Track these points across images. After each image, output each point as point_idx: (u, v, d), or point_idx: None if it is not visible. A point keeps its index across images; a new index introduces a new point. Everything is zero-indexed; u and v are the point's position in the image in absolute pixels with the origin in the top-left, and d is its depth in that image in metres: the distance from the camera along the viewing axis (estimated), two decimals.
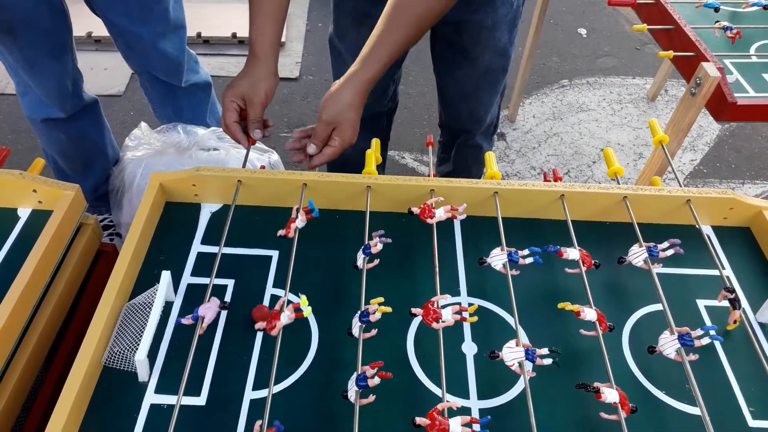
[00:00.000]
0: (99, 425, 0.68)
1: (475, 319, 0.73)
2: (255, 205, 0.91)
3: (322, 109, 0.94)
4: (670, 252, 0.82)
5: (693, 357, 0.72)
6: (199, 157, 1.51)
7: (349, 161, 1.55)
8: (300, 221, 0.82)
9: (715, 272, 0.85)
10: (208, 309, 0.73)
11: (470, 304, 0.76)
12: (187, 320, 0.73)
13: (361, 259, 0.79)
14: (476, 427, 0.63)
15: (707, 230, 0.94)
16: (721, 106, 1.17)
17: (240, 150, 1.54)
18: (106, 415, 0.68)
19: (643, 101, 2.57)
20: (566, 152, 2.29)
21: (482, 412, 0.71)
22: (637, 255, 0.82)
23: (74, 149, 1.60)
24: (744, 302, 0.84)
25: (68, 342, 0.83)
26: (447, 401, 0.65)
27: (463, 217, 0.85)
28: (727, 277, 0.86)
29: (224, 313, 0.78)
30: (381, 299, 0.72)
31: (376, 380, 0.66)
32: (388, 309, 0.72)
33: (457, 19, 1.23)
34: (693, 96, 1.19)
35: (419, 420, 0.63)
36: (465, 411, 0.70)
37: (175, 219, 0.90)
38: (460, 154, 1.59)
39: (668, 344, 0.73)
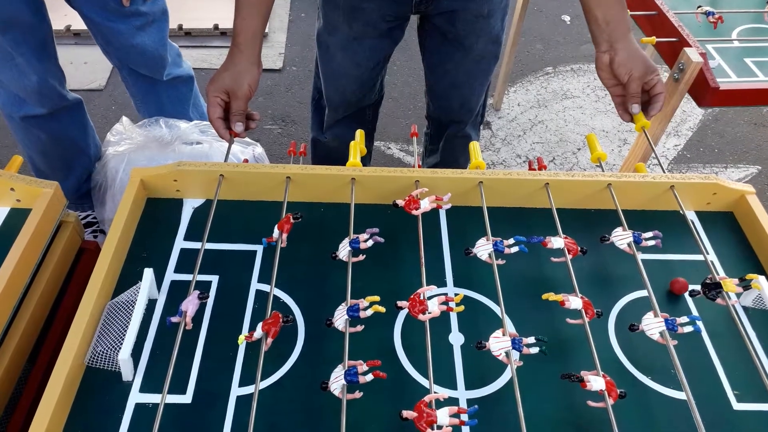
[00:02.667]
0: (83, 426, 0.67)
1: (461, 308, 0.73)
2: (238, 199, 0.90)
3: (628, 69, 0.96)
4: (651, 243, 0.82)
5: (673, 342, 0.72)
6: (182, 151, 1.49)
7: (333, 154, 1.55)
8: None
9: (700, 257, 0.86)
10: (189, 303, 0.72)
11: (456, 294, 0.76)
12: (176, 318, 0.72)
13: (345, 251, 0.79)
14: (464, 417, 0.63)
15: (691, 216, 0.94)
16: (703, 91, 1.17)
17: (224, 143, 1.52)
18: (91, 416, 0.68)
19: None
20: (551, 140, 2.30)
21: (470, 402, 0.71)
22: (620, 237, 0.83)
23: (54, 149, 1.56)
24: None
25: (51, 341, 0.82)
26: (435, 393, 0.65)
27: (449, 206, 0.85)
28: (711, 262, 0.86)
29: (209, 311, 0.78)
30: (377, 298, 0.72)
31: (369, 378, 0.66)
32: (382, 309, 0.71)
33: (452, 8, 1.22)
34: (676, 81, 1.19)
35: (406, 413, 0.63)
36: (453, 402, 0.70)
37: (158, 215, 0.89)
38: (449, 145, 1.58)
39: (653, 326, 0.73)
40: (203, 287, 0.80)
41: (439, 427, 0.62)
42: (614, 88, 1.01)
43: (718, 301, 0.79)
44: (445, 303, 0.72)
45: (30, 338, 0.79)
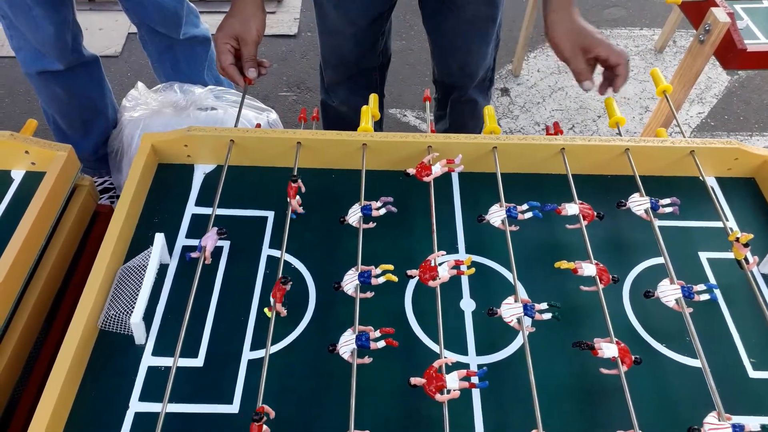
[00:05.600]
0: (97, 388, 0.68)
1: (472, 270, 0.72)
2: (249, 165, 0.90)
3: (560, 49, 0.93)
4: (669, 210, 0.80)
5: (688, 309, 0.71)
6: (197, 116, 1.48)
7: (344, 119, 1.53)
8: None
9: (719, 224, 0.83)
10: (209, 238, 0.74)
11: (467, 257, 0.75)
12: (195, 254, 0.75)
13: (355, 217, 0.78)
14: (474, 379, 0.63)
15: (711, 181, 0.92)
16: (730, 53, 1.13)
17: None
18: (105, 378, 0.69)
19: (651, 53, 2.50)
20: (571, 107, 2.25)
21: (480, 367, 0.71)
22: (637, 204, 0.81)
23: (73, 107, 1.57)
24: (747, 253, 0.82)
25: (67, 304, 0.83)
26: (445, 357, 0.65)
27: (461, 168, 0.82)
28: (731, 229, 0.84)
29: (220, 275, 0.78)
30: (391, 267, 0.72)
31: (380, 344, 0.66)
32: (395, 278, 0.71)
33: None
34: (701, 44, 1.15)
35: (414, 380, 0.63)
36: (462, 367, 0.70)
37: (169, 181, 0.89)
38: (455, 110, 1.55)
39: (669, 292, 0.72)
40: (215, 253, 0.79)
41: (449, 392, 0.62)
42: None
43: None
44: (456, 267, 0.71)
45: (47, 300, 0.81)
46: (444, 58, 1.43)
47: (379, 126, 1.64)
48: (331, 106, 1.52)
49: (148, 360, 0.70)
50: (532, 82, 2.36)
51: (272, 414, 0.62)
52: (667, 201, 0.81)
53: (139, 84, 1.56)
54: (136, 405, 0.66)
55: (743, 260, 0.76)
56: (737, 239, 0.76)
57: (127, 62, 2.33)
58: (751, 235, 0.76)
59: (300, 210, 0.83)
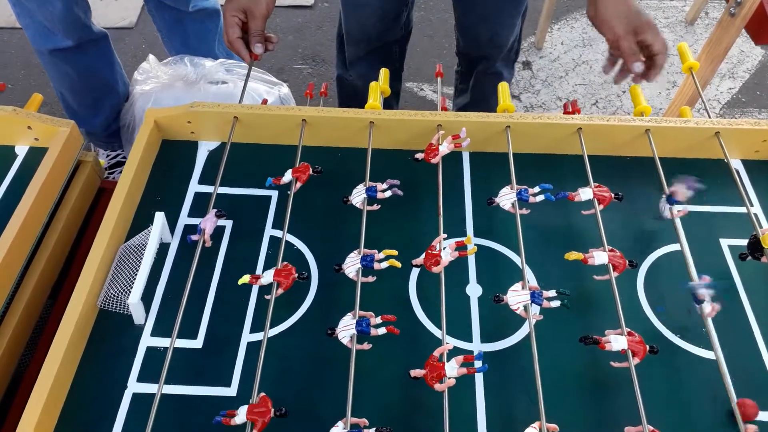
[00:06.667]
0: (96, 368, 0.67)
1: (474, 249, 0.69)
2: (254, 142, 0.88)
3: (611, 27, 0.87)
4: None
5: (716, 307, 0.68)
6: (207, 90, 1.46)
7: (360, 94, 1.49)
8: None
9: (743, 209, 0.79)
10: (207, 221, 0.73)
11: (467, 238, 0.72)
12: (196, 237, 0.74)
13: (359, 198, 0.76)
14: (477, 364, 0.60)
15: (737, 164, 0.87)
16: (762, 26, 1.07)
17: (250, 83, 1.48)
18: (103, 358, 0.68)
19: (681, 25, 2.40)
20: (595, 81, 2.18)
21: (485, 355, 0.69)
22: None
23: (83, 85, 1.56)
24: None
25: (71, 281, 0.82)
26: (446, 344, 0.63)
27: (467, 143, 0.78)
28: (755, 215, 0.80)
29: (222, 256, 0.76)
30: (395, 252, 0.69)
31: (381, 331, 0.64)
32: (398, 264, 0.69)
33: None
34: (732, 17, 1.09)
35: (414, 372, 0.61)
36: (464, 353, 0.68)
37: (173, 158, 0.87)
38: (479, 84, 1.51)
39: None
40: (216, 232, 0.78)
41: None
42: (610, 42, 0.90)
43: (764, 259, 0.73)
44: (459, 248, 0.69)
45: (50, 277, 0.80)
46: (473, 28, 1.38)
47: (396, 100, 1.60)
48: (347, 81, 1.49)
49: (147, 340, 0.69)
50: (555, 55, 2.28)
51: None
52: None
53: (151, 57, 1.54)
54: (134, 385, 0.66)
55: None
56: None
57: (141, 34, 2.31)
58: None
59: (294, 190, 0.79)
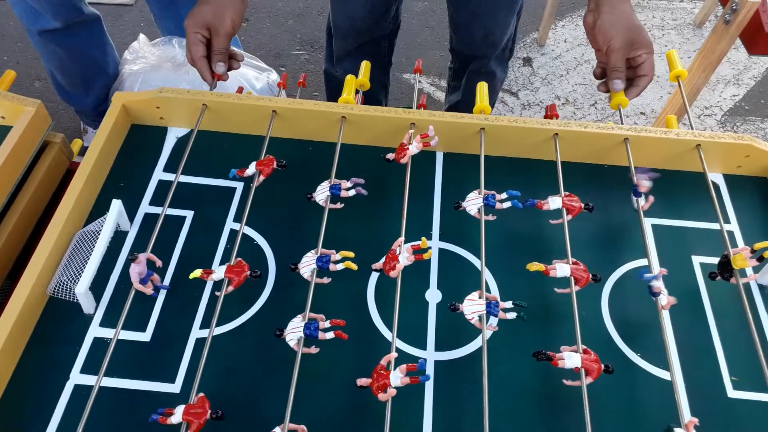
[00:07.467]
0: (41, 355, 0.66)
1: (430, 254, 0.67)
2: (222, 131, 0.86)
3: (608, 38, 0.83)
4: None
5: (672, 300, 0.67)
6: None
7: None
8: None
9: (718, 226, 0.77)
10: (133, 270, 0.67)
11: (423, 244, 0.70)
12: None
13: (323, 195, 0.74)
14: (423, 378, 0.59)
15: (717, 178, 0.85)
16: (756, 36, 1.04)
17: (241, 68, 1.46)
18: (49, 346, 0.67)
19: (689, 28, 2.36)
20: (595, 82, 2.14)
21: (438, 364, 0.67)
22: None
23: (73, 66, 1.54)
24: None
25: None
26: (393, 352, 0.61)
27: (436, 141, 0.75)
28: (731, 233, 0.78)
29: (179, 248, 0.75)
30: (351, 254, 0.68)
31: (329, 336, 0.63)
32: (354, 267, 0.67)
33: None
34: (726, 24, 1.06)
35: (360, 381, 0.60)
36: (416, 362, 0.66)
37: (140, 143, 0.85)
38: (472, 82, 1.48)
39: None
40: (176, 222, 0.77)
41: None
42: (599, 53, 0.87)
43: (732, 281, 0.71)
44: (420, 251, 0.67)
45: (9, 258, 0.79)
46: (467, 25, 1.35)
47: (384, 94, 1.57)
48: (334, 76, 1.46)
49: (94, 331, 0.68)
50: (557, 52, 2.25)
51: None
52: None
53: (141, 36, 1.52)
54: (77, 377, 0.65)
55: (738, 272, 0.70)
56: (753, 250, 0.69)
57: (141, 11, 2.29)
58: (767, 242, 0.69)
59: (257, 183, 0.76)
